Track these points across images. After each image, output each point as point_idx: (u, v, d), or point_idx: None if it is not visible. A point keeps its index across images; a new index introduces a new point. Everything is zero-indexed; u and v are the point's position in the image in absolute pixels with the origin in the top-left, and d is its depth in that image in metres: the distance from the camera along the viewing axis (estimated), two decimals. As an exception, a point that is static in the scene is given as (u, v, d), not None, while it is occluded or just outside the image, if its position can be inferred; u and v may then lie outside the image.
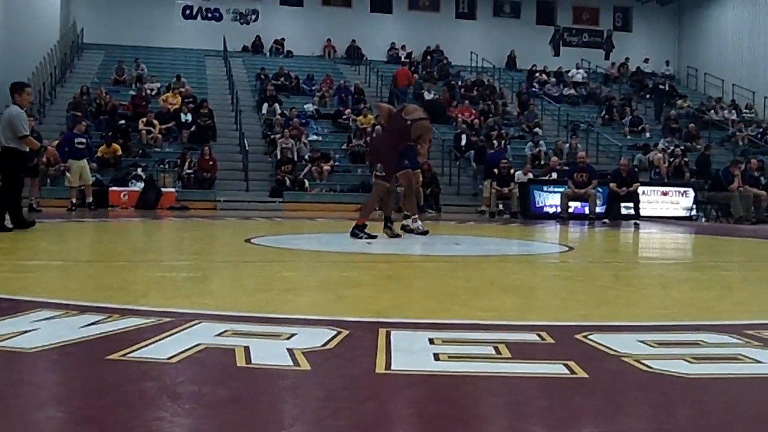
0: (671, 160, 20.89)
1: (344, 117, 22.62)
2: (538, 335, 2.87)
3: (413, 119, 8.02)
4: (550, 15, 31.82)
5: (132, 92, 22.55)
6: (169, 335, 2.73)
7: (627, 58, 30.82)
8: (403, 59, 28.70)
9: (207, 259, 6.60)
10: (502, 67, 29.56)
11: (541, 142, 21.26)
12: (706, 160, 17.81)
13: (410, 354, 2.56)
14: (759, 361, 2.55)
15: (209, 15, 29.40)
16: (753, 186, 16.43)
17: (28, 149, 8.72)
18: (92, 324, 2.90)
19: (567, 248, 8.49)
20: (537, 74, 28.29)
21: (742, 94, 28.34)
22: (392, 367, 2.36)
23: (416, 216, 8.92)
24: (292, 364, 2.37)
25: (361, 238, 7.78)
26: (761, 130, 25.44)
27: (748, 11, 28.88)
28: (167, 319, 3.00)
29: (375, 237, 7.81)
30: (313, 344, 2.62)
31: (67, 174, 15.28)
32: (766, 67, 27.72)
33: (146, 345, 2.56)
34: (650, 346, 2.75)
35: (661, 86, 27.34)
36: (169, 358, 2.39)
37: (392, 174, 8.24)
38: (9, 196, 8.50)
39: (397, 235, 8.13)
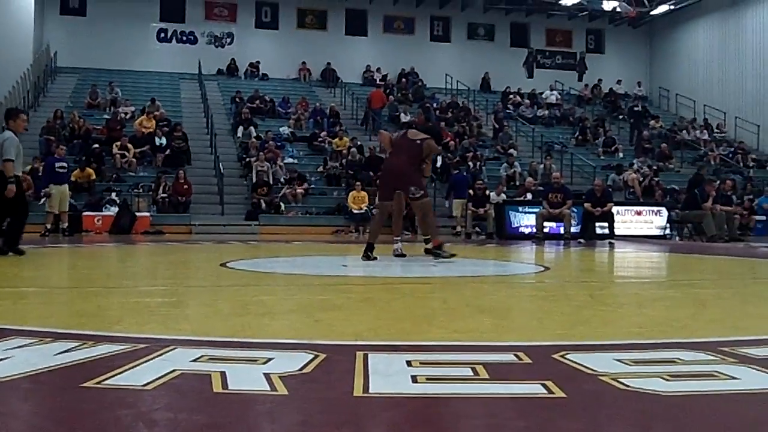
0: (641, 180, 21.12)
1: (320, 140, 22.65)
2: (516, 356, 2.88)
3: (422, 138, 8.45)
4: (524, 37, 32.19)
5: (106, 116, 22.43)
6: (145, 361, 2.70)
7: (600, 80, 31.24)
8: (378, 81, 28.84)
9: (182, 284, 6.54)
10: (476, 89, 29.84)
11: (516, 163, 21.44)
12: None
13: (388, 376, 2.55)
14: (734, 378, 2.57)
15: (184, 38, 29.40)
16: (725, 205, 16.64)
17: (20, 173, 8.65)
18: (66, 351, 2.86)
19: (543, 268, 8.53)
20: (511, 96, 28.57)
21: (713, 114, 28.79)
22: (370, 390, 2.35)
23: (398, 238, 8.95)
24: (269, 388, 2.35)
25: (442, 257, 8.29)
26: (732, 149, 25.83)
27: (718, 33, 29.40)
28: (142, 345, 2.97)
29: (454, 255, 8.37)
30: (290, 368, 2.60)
31: (47, 199, 15.11)
32: (736, 88, 28.20)
33: (121, 372, 2.53)
34: (627, 364, 2.76)
35: (635, 108, 27.67)
36: (144, 385, 2.36)
37: (425, 187, 8.50)
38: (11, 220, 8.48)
39: (375, 258, 8.13)
